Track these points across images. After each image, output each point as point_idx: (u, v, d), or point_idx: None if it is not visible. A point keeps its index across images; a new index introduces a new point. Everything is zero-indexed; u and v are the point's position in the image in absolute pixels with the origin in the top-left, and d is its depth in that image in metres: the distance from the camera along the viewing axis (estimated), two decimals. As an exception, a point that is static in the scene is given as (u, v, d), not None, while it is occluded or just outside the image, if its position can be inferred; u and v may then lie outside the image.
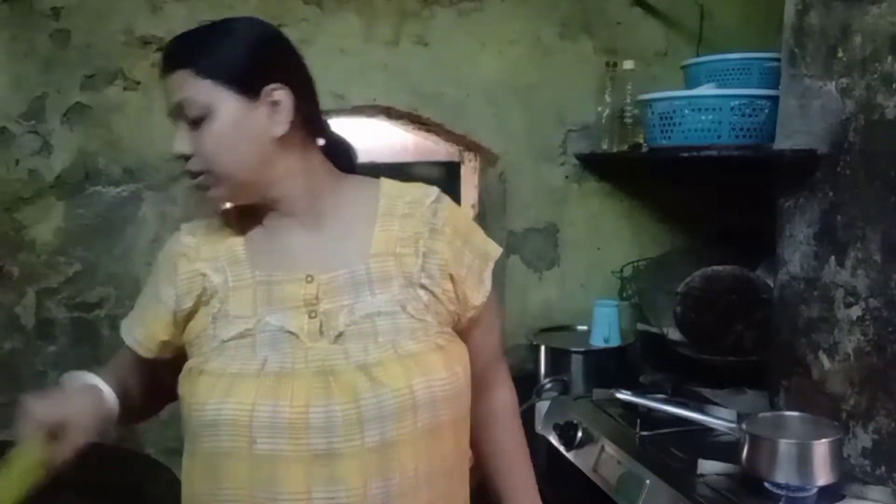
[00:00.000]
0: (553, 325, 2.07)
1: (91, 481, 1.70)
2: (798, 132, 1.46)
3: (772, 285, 1.61)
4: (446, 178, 2.33)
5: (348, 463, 0.90)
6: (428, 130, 2.15)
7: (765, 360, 1.60)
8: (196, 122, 0.95)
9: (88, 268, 1.95)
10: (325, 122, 1.07)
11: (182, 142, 0.96)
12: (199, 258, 1.02)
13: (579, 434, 1.55)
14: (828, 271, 1.39)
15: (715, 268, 1.84)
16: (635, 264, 2.06)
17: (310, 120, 1.02)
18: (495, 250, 1.11)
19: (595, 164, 2.12)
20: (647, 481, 1.31)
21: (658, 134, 1.70)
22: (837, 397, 1.36)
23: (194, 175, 0.98)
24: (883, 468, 1.28)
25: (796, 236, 1.48)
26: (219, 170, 0.97)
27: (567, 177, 2.13)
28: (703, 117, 1.61)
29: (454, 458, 1.01)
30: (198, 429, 0.94)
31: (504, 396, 1.19)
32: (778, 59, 1.56)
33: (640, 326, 1.99)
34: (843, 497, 1.23)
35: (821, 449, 1.18)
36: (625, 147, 1.97)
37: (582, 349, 1.85)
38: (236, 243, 1.02)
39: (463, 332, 1.06)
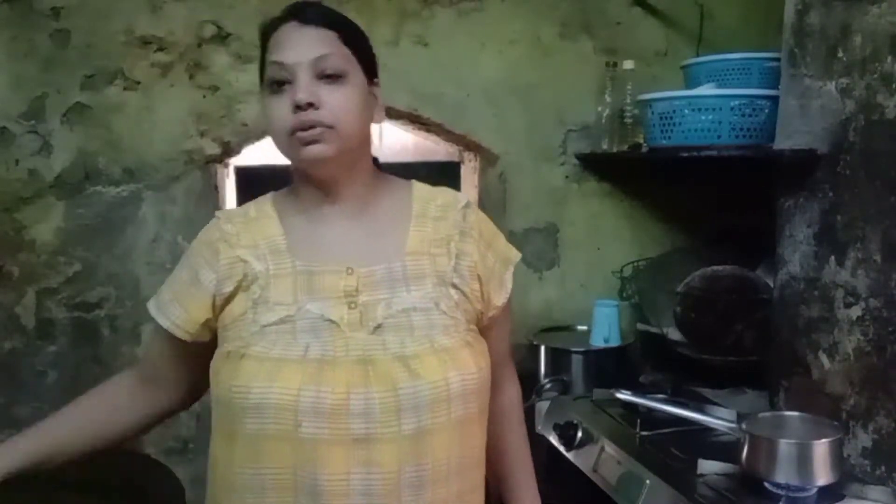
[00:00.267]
0: (553, 325, 2.07)
1: (91, 481, 1.70)
2: (798, 132, 1.46)
3: (772, 285, 1.61)
4: (446, 178, 2.33)
5: (385, 448, 0.94)
6: (428, 130, 2.15)
7: (765, 360, 1.60)
8: (330, 78, 0.98)
9: (88, 268, 1.96)
10: None
11: (312, 92, 0.97)
12: (240, 245, 1.04)
13: (579, 434, 1.55)
14: (828, 271, 1.39)
15: (715, 268, 1.84)
16: (635, 264, 2.06)
17: None
18: (515, 255, 1.17)
19: (595, 164, 2.12)
20: (647, 481, 1.31)
21: (658, 134, 1.70)
22: (837, 397, 1.36)
23: (308, 127, 0.97)
24: (883, 468, 1.28)
25: (796, 236, 1.48)
26: (342, 128, 0.99)
27: (567, 177, 2.13)
28: (703, 117, 1.62)
29: (481, 451, 1.07)
30: (240, 411, 0.96)
31: (511, 394, 1.24)
32: (778, 59, 1.56)
33: (640, 326, 1.99)
34: (843, 497, 1.23)
35: (821, 449, 1.18)
36: (625, 147, 1.97)
37: (582, 349, 1.85)
38: (276, 233, 1.05)
39: (482, 330, 1.10)
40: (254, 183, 2.15)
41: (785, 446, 1.19)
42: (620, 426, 1.55)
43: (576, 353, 1.85)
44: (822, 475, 1.18)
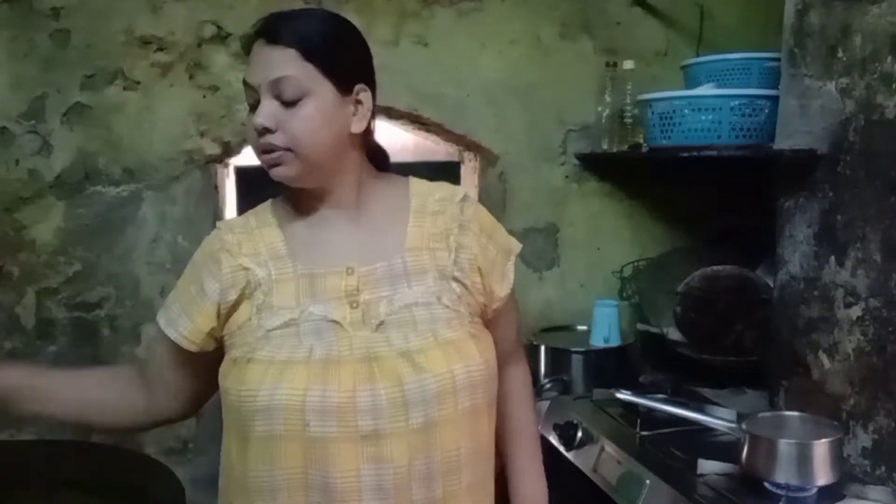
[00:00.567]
0: (553, 325, 2.07)
1: (92, 481, 1.70)
2: (798, 132, 1.46)
3: (772, 285, 1.61)
4: (446, 179, 2.32)
5: (394, 442, 0.96)
6: (428, 130, 2.15)
7: (765, 360, 1.60)
8: (288, 102, 0.98)
9: (88, 268, 1.95)
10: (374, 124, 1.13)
11: (269, 116, 0.99)
12: (241, 254, 1.05)
13: (579, 434, 1.55)
14: (828, 271, 1.39)
15: (715, 268, 1.84)
16: (635, 264, 2.06)
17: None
18: (516, 246, 1.18)
19: (595, 164, 2.12)
20: (647, 481, 1.31)
21: (658, 134, 1.70)
22: (837, 397, 1.36)
23: (269, 150, 1.00)
24: (883, 468, 1.28)
25: (796, 236, 1.48)
26: (301, 151, 1.00)
27: (567, 177, 2.13)
28: (703, 117, 1.62)
29: (489, 442, 1.09)
30: (250, 415, 0.97)
31: (519, 375, 1.24)
32: (778, 59, 1.56)
33: (640, 326, 1.99)
34: (843, 497, 1.23)
35: (821, 449, 1.18)
36: (625, 147, 1.97)
37: (582, 349, 1.85)
38: (276, 239, 1.06)
39: (488, 322, 1.12)
40: (254, 183, 2.15)
41: (785, 446, 1.19)
42: (620, 426, 1.55)
43: (576, 353, 1.85)
44: (822, 475, 1.18)
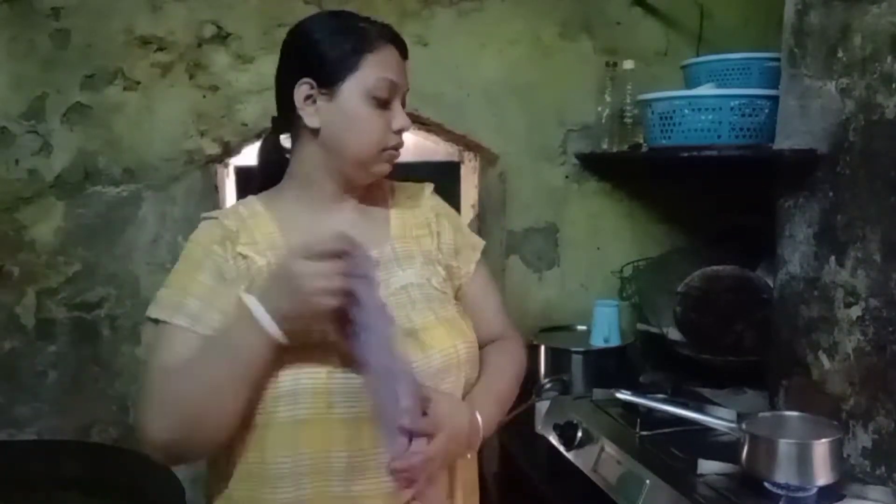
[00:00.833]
0: (553, 325, 2.07)
1: (93, 481, 1.71)
2: (798, 132, 1.46)
3: (772, 285, 1.61)
4: (446, 178, 2.33)
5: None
6: (428, 130, 2.15)
7: (765, 360, 1.60)
8: (402, 107, 1.09)
9: (88, 268, 1.96)
10: None
11: (407, 120, 1.09)
12: (240, 242, 1.05)
13: (579, 434, 1.54)
14: (828, 271, 1.39)
15: (715, 268, 1.84)
16: (635, 264, 2.06)
17: None
18: (480, 242, 1.26)
19: (595, 164, 2.12)
20: (647, 481, 1.31)
21: (658, 134, 1.70)
22: (837, 397, 1.36)
23: (398, 147, 1.10)
24: (883, 468, 1.28)
25: (796, 236, 1.48)
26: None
27: (567, 177, 2.13)
28: (703, 117, 1.61)
29: None
30: (271, 401, 0.98)
31: (507, 341, 1.24)
32: (778, 59, 1.56)
33: (640, 326, 1.99)
34: (843, 497, 1.23)
35: (821, 449, 1.18)
36: (625, 147, 1.97)
37: (582, 349, 1.85)
38: (271, 228, 1.07)
39: (468, 306, 1.18)
40: (252, 183, 2.16)
41: (785, 446, 1.19)
42: (620, 426, 1.54)
43: (576, 353, 1.85)
44: (822, 475, 1.18)
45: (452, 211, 1.24)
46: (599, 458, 1.46)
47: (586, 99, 2.08)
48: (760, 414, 1.34)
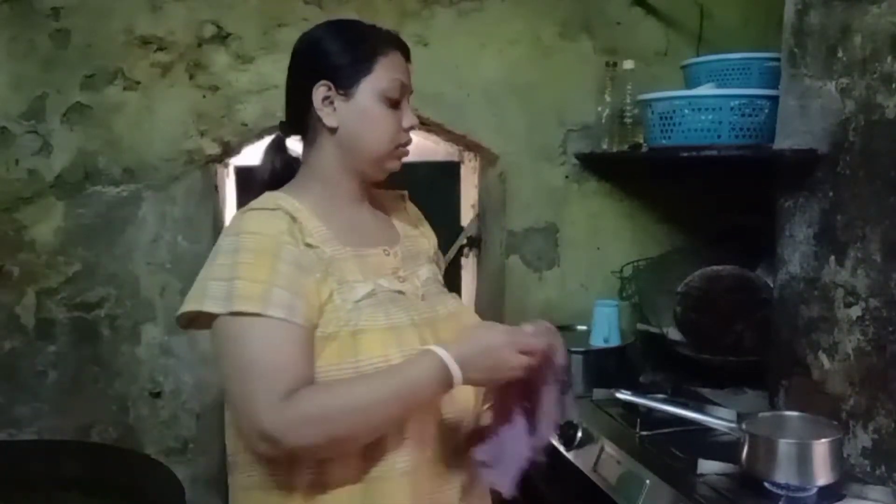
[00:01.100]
0: (553, 324, 2.06)
1: (91, 481, 1.71)
2: (798, 132, 1.46)
3: (772, 285, 1.61)
4: (446, 178, 2.33)
5: (462, 391, 1.07)
6: (428, 130, 2.15)
7: (765, 360, 1.60)
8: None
9: (88, 268, 1.96)
10: None
11: (416, 118, 1.16)
12: (303, 233, 1.07)
13: (579, 434, 1.55)
14: (828, 271, 1.39)
15: (715, 268, 1.84)
16: (635, 264, 2.06)
17: None
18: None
19: (595, 164, 2.12)
20: (647, 481, 1.31)
21: (658, 134, 1.70)
22: (837, 397, 1.36)
23: (408, 144, 1.16)
24: (883, 468, 1.28)
25: (796, 236, 1.48)
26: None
27: (567, 177, 2.13)
28: (703, 117, 1.61)
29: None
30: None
31: None
32: (778, 59, 1.56)
33: (640, 326, 1.99)
34: (843, 497, 1.23)
35: (821, 449, 1.18)
36: (625, 147, 1.97)
37: (582, 349, 1.85)
38: (318, 223, 1.10)
39: None
40: (254, 183, 2.16)
41: (785, 446, 1.19)
42: (620, 426, 1.54)
43: (576, 353, 1.84)
44: (822, 475, 1.18)
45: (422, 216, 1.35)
46: (599, 458, 1.46)
47: (586, 99, 2.07)
48: (760, 414, 1.34)
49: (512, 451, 1.06)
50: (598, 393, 1.70)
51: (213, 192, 2.04)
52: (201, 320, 1.03)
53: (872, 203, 1.30)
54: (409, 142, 1.16)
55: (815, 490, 1.20)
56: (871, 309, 1.30)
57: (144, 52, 1.92)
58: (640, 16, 2.11)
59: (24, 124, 1.90)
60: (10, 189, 1.91)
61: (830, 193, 1.39)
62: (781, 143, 1.50)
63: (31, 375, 1.96)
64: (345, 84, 1.10)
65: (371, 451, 1.03)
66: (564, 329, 2.04)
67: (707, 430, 1.42)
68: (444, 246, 1.46)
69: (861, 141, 1.33)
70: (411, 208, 1.31)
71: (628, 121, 1.96)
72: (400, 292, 1.11)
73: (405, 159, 1.17)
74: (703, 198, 2.09)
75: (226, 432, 1.12)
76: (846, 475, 1.25)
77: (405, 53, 1.16)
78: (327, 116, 1.11)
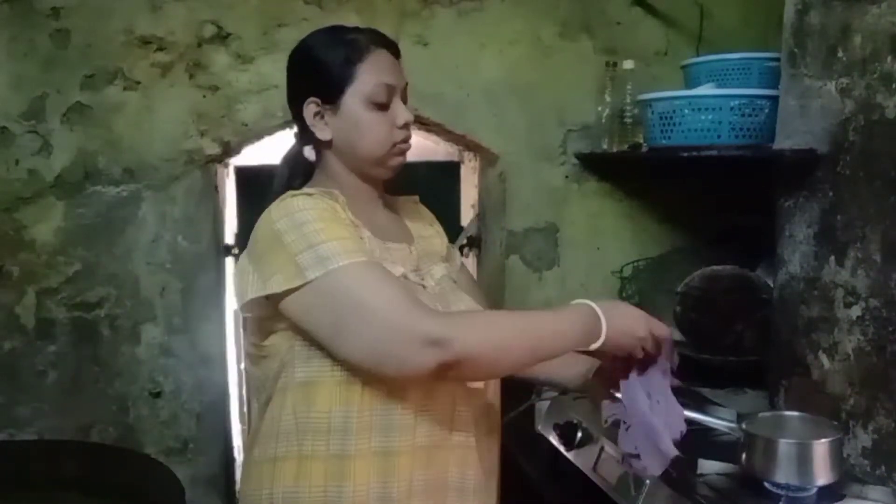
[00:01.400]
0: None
1: (91, 481, 1.71)
2: (798, 132, 1.46)
3: (772, 285, 1.61)
4: (446, 178, 2.33)
5: (490, 382, 1.16)
6: (428, 130, 2.15)
7: (765, 360, 1.60)
8: (405, 102, 1.18)
9: (88, 268, 1.96)
10: None
11: (409, 114, 1.17)
12: (346, 211, 1.11)
13: (579, 434, 1.55)
14: (828, 271, 1.39)
15: (715, 268, 1.84)
16: (635, 264, 2.06)
17: None
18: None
19: (595, 164, 2.12)
20: (647, 481, 1.31)
21: (658, 134, 1.70)
22: (837, 397, 1.36)
23: (406, 140, 1.18)
24: (883, 468, 1.28)
25: (796, 236, 1.48)
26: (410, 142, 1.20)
27: (567, 177, 2.13)
28: (703, 117, 1.61)
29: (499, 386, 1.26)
30: None
31: None
32: (778, 59, 1.56)
33: (640, 326, 1.99)
34: (843, 497, 1.23)
35: (821, 449, 1.18)
36: (625, 147, 1.97)
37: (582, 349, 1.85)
38: (347, 214, 1.11)
39: None
40: (254, 183, 2.16)
41: (785, 446, 1.19)
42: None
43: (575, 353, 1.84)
44: (822, 475, 1.18)
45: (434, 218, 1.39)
46: (599, 459, 1.46)
47: (586, 99, 2.07)
48: (760, 414, 1.34)
49: (653, 436, 1.12)
50: (598, 393, 1.69)
51: (213, 192, 2.04)
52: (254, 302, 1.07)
53: (872, 203, 1.30)
54: (406, 138, 1.17)
55: (815, 490, 1.20)
56: (871, 309, 1.30)
57: (144, 52, 1.92)
58: (640, 16, 2.11)
59: (24, 124, 1.90)
60: (10, 189, 1.91)
61: (830, 193, 1.39)
62: (781, 143, 1.50)
63: (31, 375, 1.96)
64: (330, 98, 1.13)
65: (391, 424, 1.07)
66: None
67: (707, 430, 1.41)
68: (444, 246, 1.47)
69: (861, 141, 1.33)
70: (424, 210, 1.36)
71: (628, 121, 1.96)
72: (422, 286, 1.15)
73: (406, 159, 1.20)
74: (703, 198, 2.09)
75: (255, 405, 1.18)
76: (846, 475, 1.25)
77: (391, 50, 1.17)
78: (320, 131, 1.15)
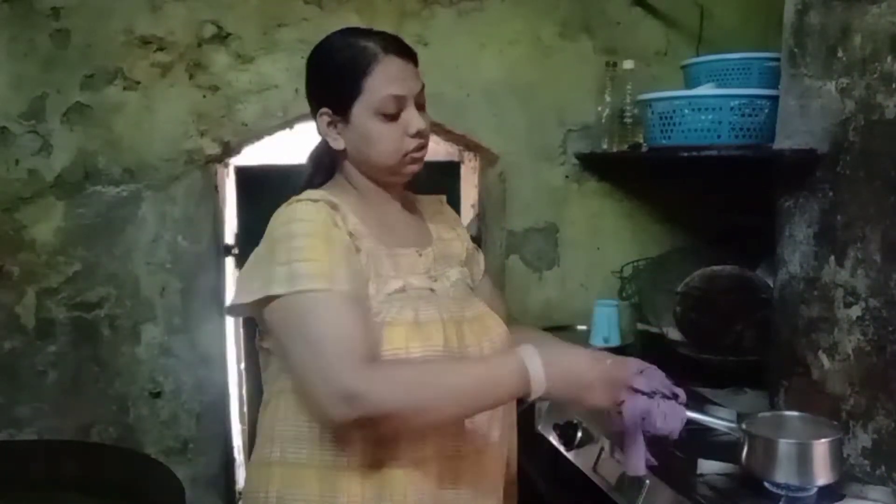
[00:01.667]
0: (553, 325, 2.07)
1: (91, 481, 1.71)
2: (798, 132, 1.46)
3: (772, 285, 1.61)
4: (446, 178, 2.33)
5: None
6: (428, 130, 2.15)
7: (765, 360, 1.60)
8: (421, 108, 1.16)
9: (88, 268, 1.96)
10: None
11: (421, 120, 1.14)
12: (346, 223, 1.11)
13: (579, 434, 1.54)
14: (828, 271, 1.39)
15: (715, 268, 1.83)
16: (635, 264, 2.06)
17: None
18: (481, 254, 1.39)
19: (595, 164, 2.12)
20: (647, 481, 1.31)
21: (658, 134, 1.70)
22: (837, 397, 1.36)
23: (420, 149, 1.16)
24: (883, 468, 1.28)
25: (796, 236, 1.48)
26: (427, 146, 1.18)
27: (567, 177, 2.13)
28: (703, 117, 1.61)
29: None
30: None
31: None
32: (778, 59, 1.56)
33: (640, 326, 1.99)
34: (843, 497, 1.23)
35: (821, 449, 1.18)
36: (625, 147, 1.97)
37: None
38: (355, 220, 1.12)
39: None
40: (254, 183, 2.16)
41: (785, 446, 1.19)
42: (620, 426, 1.54)
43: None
44: (822, 475, 1.18)
45: (460, 219, 1.37)
46: (599, 459, 1.46)
47: (586, 99, 2.08)
48: (760, 414, 1.34)
49: (632, 443, 1.12)
50: (598, 393, 1.69)
51: (213, 192, 2.04)
52: (244, 307, 1.08)
53: (872, 203, 1.30)
54: (420, 146, 1.15)
55: (815, 490, 1.19)
56: (871, 309, 1.30)
57: (144, 52, 1.92)
58: (640, 16, 2.12)
59: (24, 124, 1.90)
60: (10, 189, 1.91)
61: (830, 193, 1.39)
62: (781, 143, 1.50)
63: (31, 375, 1.96)
64: (340, 110, 1.13)
65: (388, 438, 1.05)
66: (564, 329, 2.04)
67: (707, 430, 1.41)
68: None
69: (861, 141, 1.33)
70: (448, 211, 1.35)
71: (628, 121, 1.96)
72: (431, 290, 1.14)
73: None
74: (703, 198, 2.09)
75: (262, 410, 1.15)
76: (846, 475, 1.25)
77: (404, 55, 1.14)
78: (333, 140, 1.16)
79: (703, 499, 1.23)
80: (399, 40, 1.16)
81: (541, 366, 1.01)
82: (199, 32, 1.93)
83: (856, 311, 1.33)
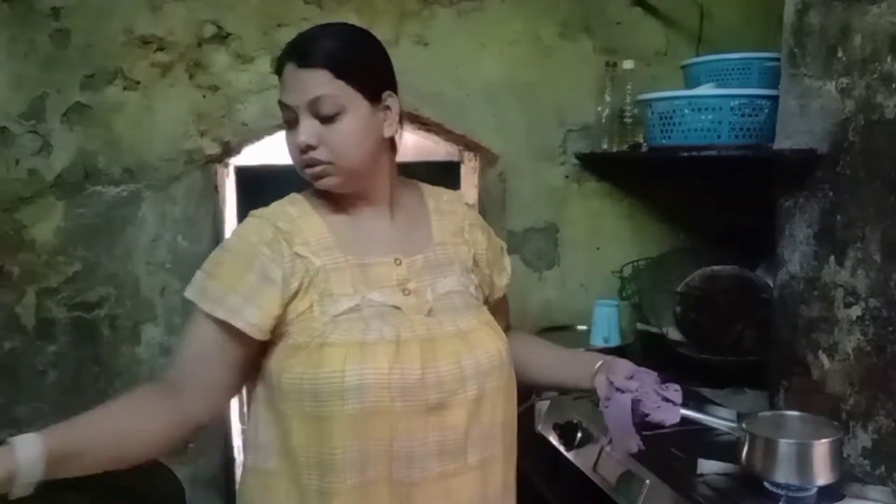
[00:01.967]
0: (553, 325, 2.07)
1: (91, 481, 1.70)
2: (798, 132, 1.46)
3: (772, 285, 1.61)
4: (446, 178, 2.33)
5: (455, 412, 1.07)
6: (428, 130, 2.15)
7: (765, 360, 1.60)
8: (326, 119, 1.06)
9: (88, 268, 1.96)
10: None
11: (310, 134, 1.06)
12: (295, 242, 1.08)
13: (579, 434, 1.55)
14: (828, 271, 1.39)
15: (715, 268, 1.84)
16: (635, 264, 2.06)
17: None
18: (503, 244, 1.32)
19: (595, 164, 2.12)
20: (647, 481, 1.31)
21: (658, 134, 1.70)
22: (837, 397, 1.36)
23: (313, 165, 1.08)
24: (883, 468, 1.28)
25: (796, 236, 1.48)
26: (343, 163, 1.08)
27: (567, 177, 2.13)
28: (703, 117, 1.61)
29: (514, 414, 1.18)
30: (336, 394, 1.02)
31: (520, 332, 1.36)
32: (778, 59, 1.56)
33: (640, 326, 1.99)
34: (843, 497, 1.23)
35: (821, 449, 1.18)
36: (625, 147, 1.97)
37: (582, 349, 1.85)
38: (322, 231, 1.10)
39: (490, 311, 1.22)
40: (254, 183, 2.16)
41: (785, 446, 1.19)
42: (620, 426, 1.54)
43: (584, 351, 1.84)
44: (822, 475, 1.18)
45: (482, 220, 1.28)
46: (599, 458, 1.46)
47: (586, 99, 2.08)
48: (760, 414, 1.34)
49: (623, 425, 1.13)
50: (598, 393, 1.69)
51: (213, 192, 2.04)
52: None
53: (872, 203, 1.30)
54: (309, 162, 1.07)
55: (815, 490, 1.20)
56: (871, 309, 1.30)
57: (144, 52, 1.92)
58: (640, 16, 2.12)
59: (24, 124, 1.90)
60: (10, 189, 1.91)
61: (830, 193, 1.39)
62: (781, 143, 1.50)
63: (31, 375, 1.96)
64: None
65: (331, 462, 1.03)
66: (564, 329, 2.04)
67: (707, 430, 1.41)
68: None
69: (861, 141, 1.33)
70: (465, 212, 1.24)
71: (628, 121, 1.96)
72: (395, 307, 1.08)
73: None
74: (703, 198, 2.09)
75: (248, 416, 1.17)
76: (846, 475, 1.25)
77: (299, 62, 1.06)
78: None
79: (703, 499, 1.23)
80: (299, 46, 1.08)
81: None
82: (199, 32, 1.93)
83: (856, 311, 1.33)
